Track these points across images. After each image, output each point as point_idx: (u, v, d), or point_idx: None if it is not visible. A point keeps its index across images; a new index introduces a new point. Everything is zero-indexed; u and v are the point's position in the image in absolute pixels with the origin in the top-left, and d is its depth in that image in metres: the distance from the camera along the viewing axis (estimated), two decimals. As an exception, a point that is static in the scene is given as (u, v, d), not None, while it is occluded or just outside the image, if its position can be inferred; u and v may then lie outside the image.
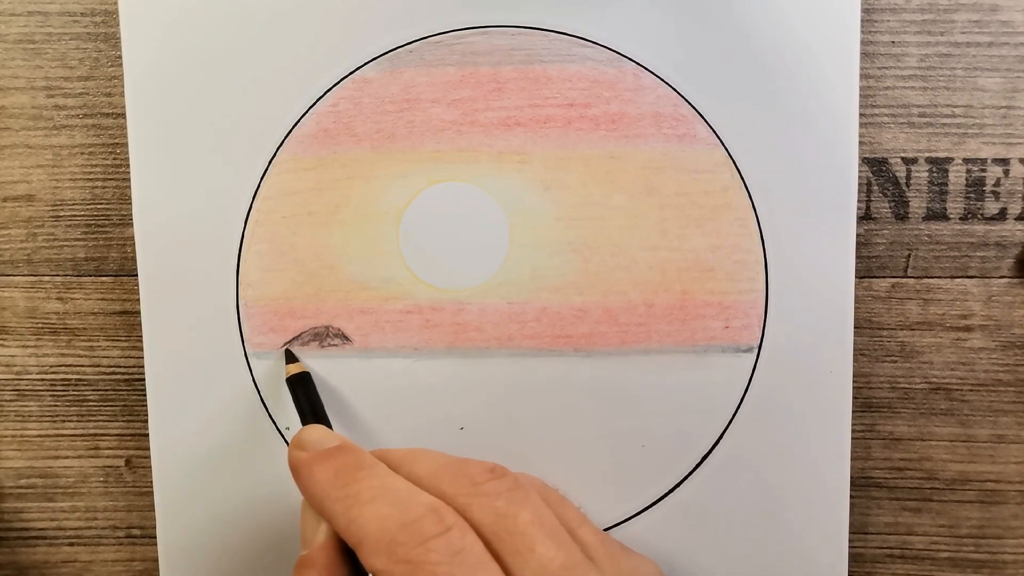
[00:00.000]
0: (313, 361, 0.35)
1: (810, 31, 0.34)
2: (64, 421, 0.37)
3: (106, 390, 0.37)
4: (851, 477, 0.35)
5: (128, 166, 0.35)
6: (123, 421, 0.37)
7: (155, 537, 0.36)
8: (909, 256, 0.36)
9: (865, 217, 0.36)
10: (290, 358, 0.34)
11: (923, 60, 0.35)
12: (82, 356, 0.37)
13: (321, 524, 0.25)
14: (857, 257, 0.35)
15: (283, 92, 0.34)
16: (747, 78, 0.34)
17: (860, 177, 0.35)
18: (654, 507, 0.35)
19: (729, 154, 0.34)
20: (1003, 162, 0.35)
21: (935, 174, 0.36)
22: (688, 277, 0.35)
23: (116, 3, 0.35)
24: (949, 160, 0.35)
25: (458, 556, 0.21)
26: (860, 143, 0.35)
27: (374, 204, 0.35)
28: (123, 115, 0.35)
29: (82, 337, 0.37)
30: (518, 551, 0.22)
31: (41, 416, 0.37)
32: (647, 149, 0.35)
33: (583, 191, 0.35)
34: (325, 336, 0.35)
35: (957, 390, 0.36)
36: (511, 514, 0.23)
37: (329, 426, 0.31)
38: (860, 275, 0.36)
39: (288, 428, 0.35)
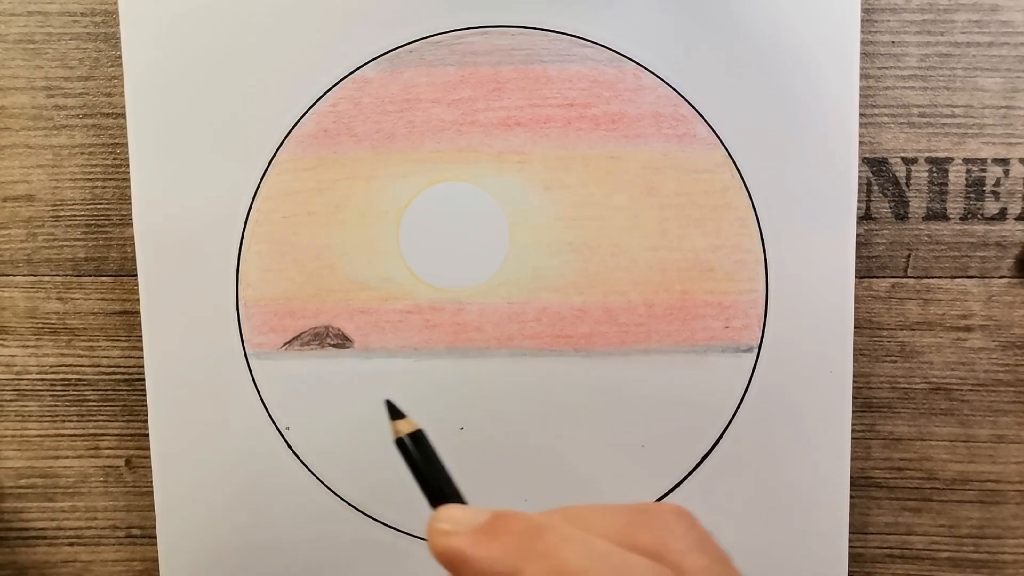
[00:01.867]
0: (313, 361, 0.35)
1: (810, 31, 0.34)
2: (64, 421, 0.37)
3: (106, 390, 0.37)
4: (851, 477, 0.35)
5: (128, 166, 0.35)
6: (123, 421, 0.37)
7: (155, 537, 0.36)
8: (909, 256, 0.36)
9: (865, 217, 0.36)
10: (395, 413, 0.28)
11: (923, 60, 0.35)
12: (82, 356, 0.37)
13: None
14: (857, 257, 0.35)
15: (283, 92, 0.34)
16: (747, 78, 0.34)
17: (860, 177, 0.35)
18: (654, 507, 0.35)
19: (729, 154, 0.34)
20: (1003, 162, 0.35)
21: (935, 174, 0.36)
22: (688, 277, 0.35)
23: (116, 3, 0.35)
24: (949, 160, 0.35)
25: None
26: (860, 143, 0.35)
27: (374, 204, 0.35)
28: (123, 115, 0.35)
29: (82, 337, 0.37)
30: None
31: (41, 416, 0.37)
32: (647, 149, 0.35)
33: (583, 191, 0.35)
34: (325, 336, 0.35)
35: (957, 390, 0.36)
36: (703, 567, 0.21)
37: (455, 487, 0.26)
38: (860, 275, 0.36)
39: (288, 428, 0.35)
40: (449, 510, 0.24)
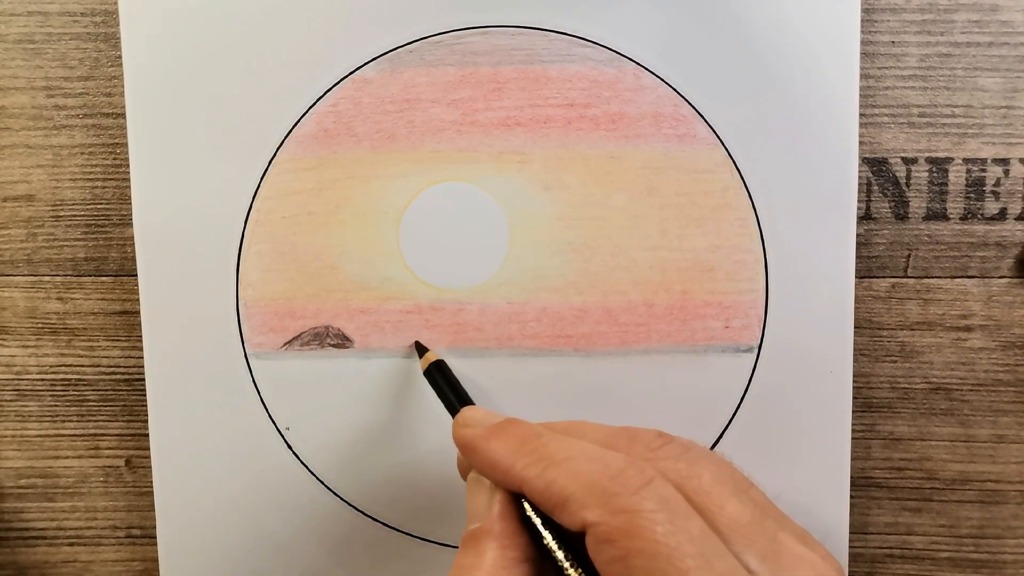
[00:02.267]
0: (313, 361, 0.35)
1: (810, 31, 0.34)
2: (64, 421, 0.37)
3: (106, 390, 0.37)
4: (851, 477, 0.35)
5: (128, 166, 0.35)
6: (123, 421, 0.37)
7: (155, 537, 0.36)
8: (909, 256, 0.36)
9: (865, 217, 0.36)
10: (421, 350, 0.34)
11: (923, 60, 0.35)
12: (82, 356, 0.37)
13: (495, 495, 0.25)
14: (857, 257, 0.35)
15: (283, 92, 0.34)
16: (747, 78, 0.34)
17: (860, 177, 0.35)
18: (654, 507, 0.35)
19: (729, 154, 0.34)
20: (1003, 162, 0.35)
21: (935, 174, 0.36)
22: (688, 277, 0.35)
23: (116, 3, 0.35)
24: (949, 160, 0.35)
25: (668, 504, 0.21)
26: (860, 143, 0.35)
27: (374, 204, 0.35)
28: (123, 115, 0.35)
29: (82, 337, 0.37)
30: (707, 508, 0.22)
31: (41, 416, 0.37)
32: (647, 149, 0.35)
33: (583, 191, 0.35)
34: (325, 336, 0.35)
35: (957, 390, 0.36)
36: (694, 474, 0.23)
37: (471, 399, 0.31)
38: (860, 275, 0.36)
39: (288, 428, 0.35)
40: (471, 411, 0.29)
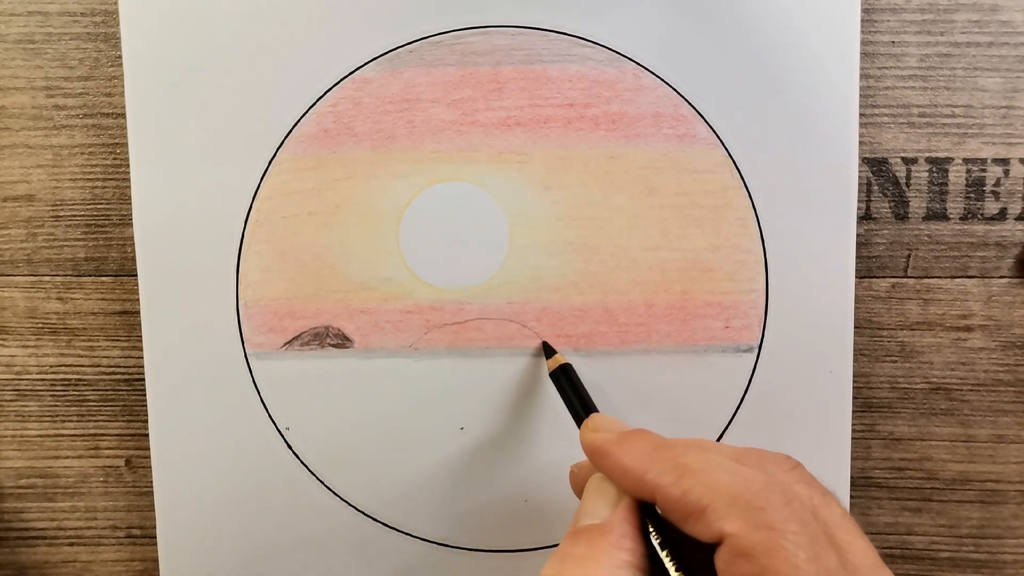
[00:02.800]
0: (313, 361, 0.35)
1: (810, 31, 0.34)
2: (64, 421, 0.37)
3: (106, 390, 0.37)
4: (851, 477, 0.35)
5: (128, 166, 0.35)
6: (123, 421, 0.37)
7: (155, 537, 0.36)
8: (909, 256, 0.36)
9: (865, 217, 0.36)
10: (549, 352, 0.34)
11: (923, 60, 0.35)
12: (82, 356, 0.37)
13: (621, 498, 0.25)
14: (857, 257, 0.35)
15: (283, 92, 0.34)
16: (747, 78, 0.34)
17: (860, 177, 0.35)
18: (654, 507, 0.35)
19: (729, 154, 0.34)
20: (1003, 162, 0.35)
21: (935, 174, 0.36)
22: (688, 277, 0.35)
23: (116, 3, 0.35)
24: (949, 160, 0.35)
25: (809, 529, 0.21)
26: (860, 143, 0.35)
27: (374, 204, 0.35)
28: (123, 115, 0.35)
29: (82, 337, 0.37)
30: (838, 543, 0.22)
31: (41, 416, 0.37)
32: (647, 149, 0.35)
33: (583, 191, 0.35)
34: (325, 336, 0.35)
35: (957, 390, 0.36)
36: (826, 504, 0.23)
37: (595, 406, 0.31)
38: (860, 275, 0.36)
39: (288, 428, 0.35)
40: (600, 418, 0.29)
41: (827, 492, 0.24)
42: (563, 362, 0.33)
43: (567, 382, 0.32)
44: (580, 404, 0.31)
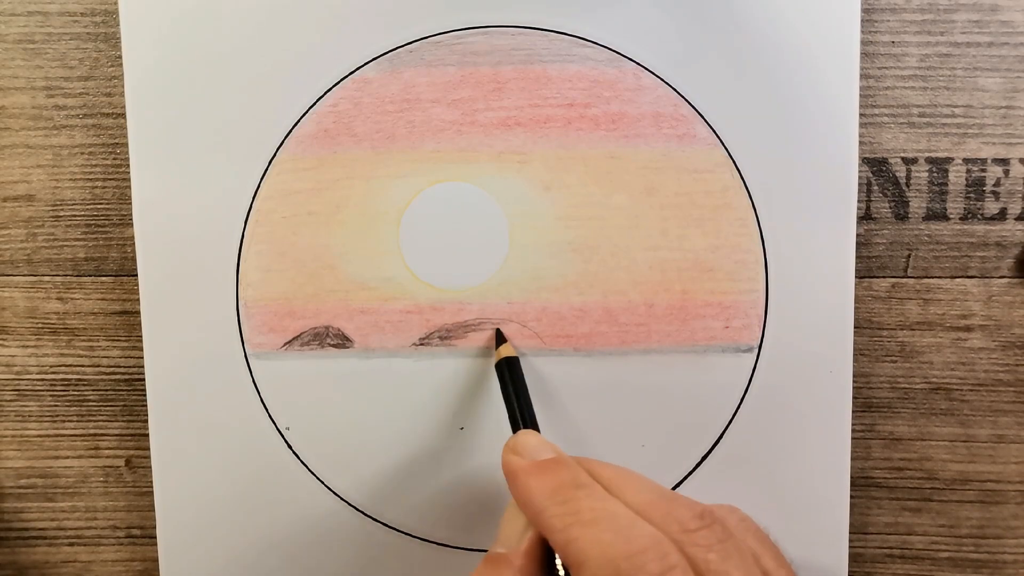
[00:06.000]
0: (313, 361, 0.35)
1: (810, 31, 0.34)
2: (64, 421, 0.37)
3: (106, 390, 0.37)
4: (851, 477, 0.35)
5: (128, 166, 0.35)
6: (123, 421, 0.37)
7: (155, 537, 0.36)
8: (909, 256, 0.36)
9: (865, 217, 0.36)
10: (500, 339, 0.34)
11: (923, 60, 0.35)
12: (82, 356, 0.37)
13: (528, 530, 0.25)
14: (857, 257, 0.35)
15: (283, 92, 0.34)
16: (747, 78, 0.34)
17: (860, 177, 0.35)
18: (654, 507, 0.35)
19: (729, 154, 0.34)
20: (1003, 162, 0.35)
21: (935, 174, 0.36)
22: (688, 277, 0.35)
23: (116, 3, 0.35)
24: (949, 160, 0.35)
25: None
26: (860, 143, 0.35)
27: (374, 204, 0.35)
28: (123, 115, 0.35)
29: (82, 337, 0.37)
30: None
31: (41, 416, 0.37)
32: (647, 149, 0.35)
33: (583, 191, 0.35)
34: (325, 336, 0.35)
35: (957, 390, 0.36)
36: (723, 571, 0.22)
37: (533, 413, 0.31)
38: (860, 275, 0.36)
39: (288, 428, 0.35)
40: (525, 436, 0.28)
41: (732, 554, 0.23)
42: (511, 354, 0.33)
43: (509, 377, 0.32)
44: (517, 407, 0.31)
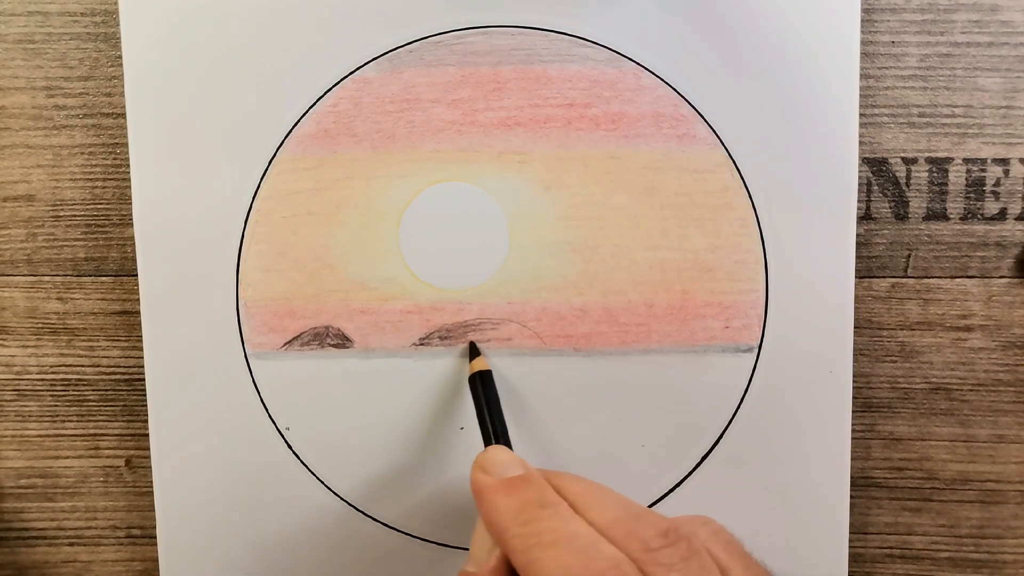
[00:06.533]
0: (313, 361, 0.35)
1: (810, 31, 0.34)
2: (64, 421, 0.37)
3: (106, 390, 0.37)
4: (851, 477, 0.35)
5: (128, 166, 0.35)
6: (123, 421, 0.37)
7: (155, 537, 0.36)
8: (909, 256, 0.36)
9: (865, 217, 0.36)
10: (474, 352, 0.34)
11: (923, 60, 0.35)
12: (82, 356, 0.37)
13: (495, 549, 0.25)
14: (857, 257, 0.35)
15: (283, 92, 0.34)
16: (747, 78, 0.34)
17: (860, 177, 0.35)
18: (654, 507, 0.35)
19: (729, 154, 0.34)
20: (1003, 162, 0.35)
21: (935, 174, 0.36)
22: (688, 277, 0.35)
23: (116, 3, 0.35)
24: (949, 160, 0.36)
25: None
26: (860, 143, 0.35)
27: (374, 204, 0.35)
28: (123, 115, 0.35)
29: (82, 337, 0.37)
30: None
31: (41, 416, 0.37)
32: (647, 149, 0.35)
33: (583, 191, 0.35)
34: (325, 336, 0.35)
35: (957, 390, 0.36)
36: (732, 567, 0.23)
37: (505, 427, 0.31)
38: (860, 275, 0.36)
39: (288, 428, 0.35)
40: (495, 453, 0.28)
41: (690, 572, 0.23)
42: (484, 368, 0.33)
43: (482, 392, 0.32)
44: (488, 421, 0.31)
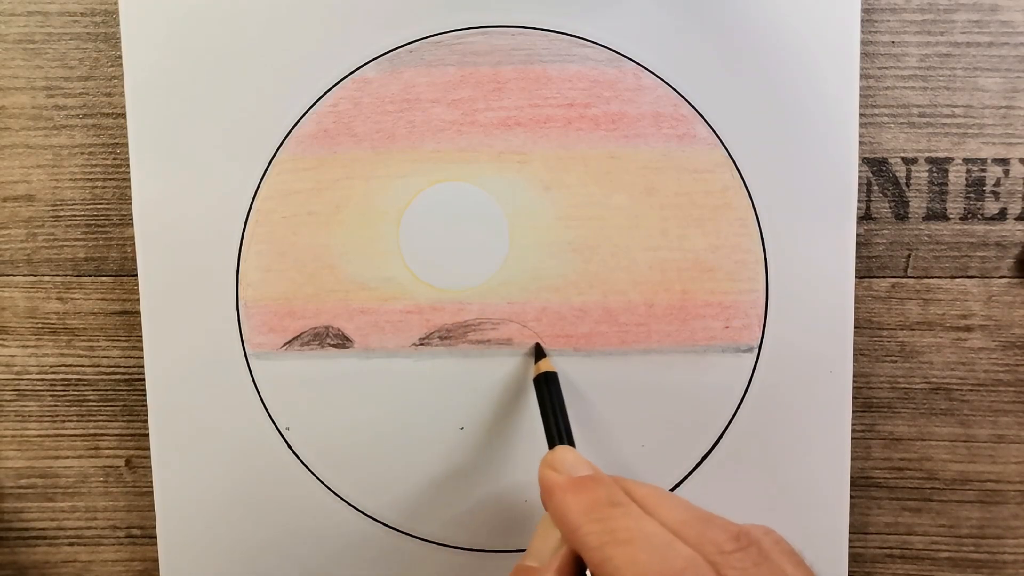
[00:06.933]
0: (313, 361, 0.35)
1: (810, 31, 0.34)
2: (64, 421, 0.37)
3: (106, 390, 0.37)
4: (851, 477, 0.35)
5: (128, 166, 0.35)
6: (123, 421, 0.37)
7: (155, 537, 0.36)
8: (909, 256, 0.36)
9: (865, 217, 0.36)
10: (540, 354, 0.34)
11: (923, 60, 0.35)
12: (82, 356, 0.37)
13: (561, 548, 0.25)
14: (857, 257, 0.35)
15: (283, 92, 0.34)
16: (747, 78, 0.34)
17: (860, 177, 0.35)
18: (654, 507, 0.35)
19: (729, 154, 0.34)
20: (1003, 162, 0.35)
21: (935, 174, 0.36)
22: (688, 277, 0.35)
23: (116, 3, 0.35)
24: (949, 160, 0.35)
25: None
26: (860, 143, 0.35)
27: (374, 204, 0.35)
28: (123, 115, 0.35)
29: (82, 337, 0.37)
30: None
31: (41, 416, 0.37)
32: (647, 149, 0.35)
33: (583, 191, 0.35)
34: (325, 336, 0.35)
35: (957, 390, 0.36)
36: None
37: (570, 430, 0.31)
38: (860, 275, 0.36)
39: (288, 428, 0.35)
40: (563, 452, 0.28)
41: (799, 566, 0.23)
42: (550, 369, 0.33)
43: (548, 393, 0.32)
44: (554, 422, 0.31)
